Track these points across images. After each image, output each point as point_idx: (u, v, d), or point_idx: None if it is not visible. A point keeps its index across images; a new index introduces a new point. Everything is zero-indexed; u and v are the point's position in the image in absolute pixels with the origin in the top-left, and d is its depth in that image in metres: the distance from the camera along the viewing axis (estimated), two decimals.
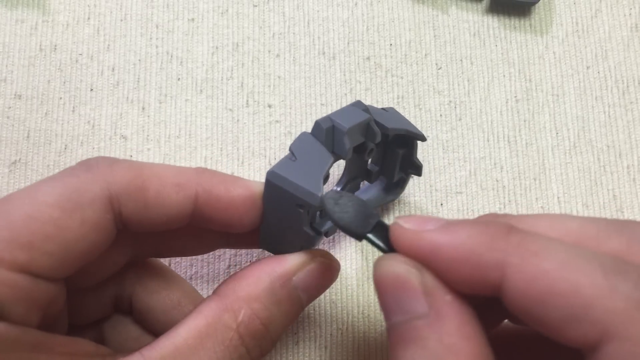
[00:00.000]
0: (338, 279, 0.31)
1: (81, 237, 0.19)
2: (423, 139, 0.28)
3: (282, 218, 0.23)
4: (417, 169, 0.29)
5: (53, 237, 0.19)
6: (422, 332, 0.17)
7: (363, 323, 0.30)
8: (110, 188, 0.20)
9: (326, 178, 0.23)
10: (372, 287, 0.30)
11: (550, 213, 0.18)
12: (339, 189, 0.29)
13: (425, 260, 0.18)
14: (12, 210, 0.19)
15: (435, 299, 0.18)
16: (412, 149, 0.29)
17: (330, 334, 0.30)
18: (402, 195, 0.32)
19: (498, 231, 0.17)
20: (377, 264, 0.19)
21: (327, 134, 0.24)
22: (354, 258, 0.31)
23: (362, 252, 0.31)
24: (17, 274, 0.18)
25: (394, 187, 0.31)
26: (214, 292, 0.23)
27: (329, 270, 0.24)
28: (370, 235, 0.20)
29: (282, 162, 0.23)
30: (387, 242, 0.20)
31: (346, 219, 0.21)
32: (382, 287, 0.19)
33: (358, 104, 0.26)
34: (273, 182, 0.22)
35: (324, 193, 0.22)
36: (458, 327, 0.17)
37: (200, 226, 0.23)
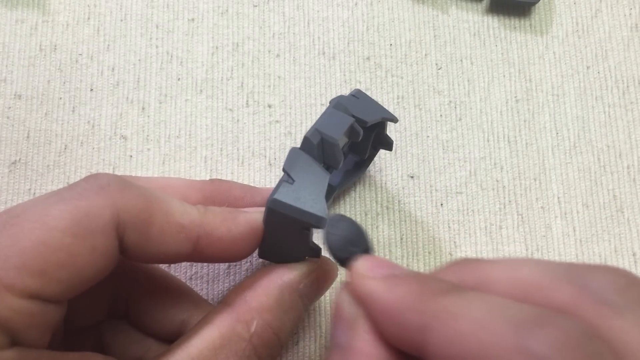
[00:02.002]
0: (339, 280, 0.31)
1: (91, 263, 0.19)
2: (395, 120, 0.28)
3: (286, 237, 0.24)
4: (389, 145, 0.30)
5: (64, 264, 0.18)
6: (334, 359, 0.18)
7: None
8: (120, 214, 0.20)
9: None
10: None
11: (512, 258, 0.18)
12: None
13: (363, 305, 0.19)
14: (23, 235, 0.18)
15: (355, 333, 0.18)
16: (384, 128, 0.29)
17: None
18: (402, 196, 0.32)
19: (430, 292, 0.17)
20: (339, 291, 0.20)
21: (318, 148, 0.24)
22: None
23: None
24: (28, 300, 0.18)
25: (365, 162, 0.31)
26: (224, 301, 0.23)
27: (329, 276, 0.25)
28: (345, 263, 0.21)
29: (282, 188, 0.22)
30: None
31: (332, 241, 0.22)
32: (333, 311, 0.20)
33: (338, 105, 0.25)
34: (276, 209, 0.22)
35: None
36: None
37: (198, 261, 0.23)
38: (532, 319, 0.15)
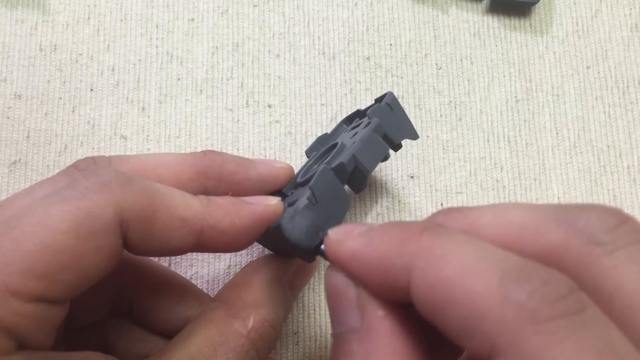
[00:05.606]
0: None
1: (95, 263, 0.19)
2: (416, 137, 0.28)
3: (286, 243, 0.24)
4: (396, 148, 0.29)
5: (68, 266, 0.18)
6: (352, 346, 0.17)
7: None
8: (123, 212, 0.20)
9: None
10: None
11: (501, 204, 0.18)
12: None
13: (347, 268, 0.18)
14: (24, 238, 0.18)
15: (367, 313, 0.17)
16: None
17: (331, 334, 0.30)
18: (402, 196, 0.32)
19: (411, 234, 0.16)
20: (325, 275, 0.19)
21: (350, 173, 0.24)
22: None
23: None
24: (34, 303, 0.18)
25: None
26: (218, 298, 0.24)
27: (312, 265, 0.27)
28: (318, 249, 0.20)
29: (303, 208, 0.22)
30: None
31: (296, 236, 0.20)
32: (327, 297, 0.19)
33: (378, 129, 0.25)
34: (287, 232, 0.22)
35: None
36: (388, 343, 0.16)
37: (200, 251, 0.23)
38: (518, 269, 0.14)
